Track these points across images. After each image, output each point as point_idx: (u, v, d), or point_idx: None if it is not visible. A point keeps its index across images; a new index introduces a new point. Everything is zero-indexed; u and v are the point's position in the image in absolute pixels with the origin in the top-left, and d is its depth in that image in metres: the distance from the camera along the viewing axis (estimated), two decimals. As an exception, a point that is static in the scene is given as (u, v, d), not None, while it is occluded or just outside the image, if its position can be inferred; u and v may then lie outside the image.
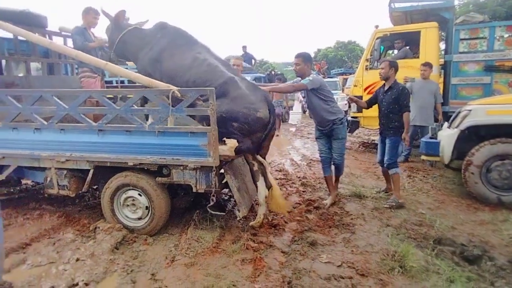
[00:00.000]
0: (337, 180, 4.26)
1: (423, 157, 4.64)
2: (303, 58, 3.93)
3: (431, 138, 4.50)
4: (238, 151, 3.02)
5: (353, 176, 5.29)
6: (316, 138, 4.25)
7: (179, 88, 2.87)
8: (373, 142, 8.29)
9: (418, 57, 6.31)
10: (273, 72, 14.35)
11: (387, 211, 3.83)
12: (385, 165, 4.10)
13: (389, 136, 4.05)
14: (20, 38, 3.99)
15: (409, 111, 3.99)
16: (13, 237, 3.25)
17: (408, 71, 6.12)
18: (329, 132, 4.00)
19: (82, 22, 4.41)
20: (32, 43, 4.04)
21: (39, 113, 3.27)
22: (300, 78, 3.97)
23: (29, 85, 4.16)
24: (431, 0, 6.59)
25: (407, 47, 6.78)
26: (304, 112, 16.15)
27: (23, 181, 4.57)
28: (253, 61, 14.07)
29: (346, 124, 4.22)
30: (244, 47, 13.08)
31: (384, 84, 4.14)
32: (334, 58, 35.45)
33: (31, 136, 3.33)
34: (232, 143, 2.92)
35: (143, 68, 3.49)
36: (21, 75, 4.62)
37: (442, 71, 6.57)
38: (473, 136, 4.10)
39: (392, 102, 3.99)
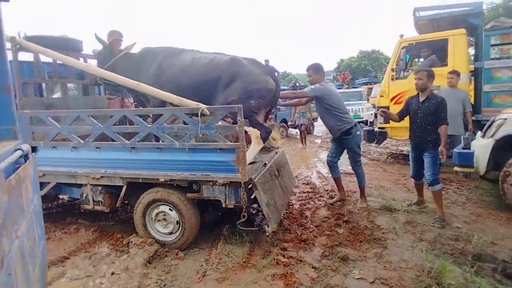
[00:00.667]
0: (361, 191, 4.44)
1: (456, 168, 4.47)
2: (314, 69, 4.30)
3: (463, 148, 4.35)
4: (264, 138, 3.34)
5: (383, 188, 5.17)
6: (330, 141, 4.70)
7: (208, 106, 2.95)
8: (401, 153, 8.09)
9: (446, 65, 6.16)
10: (297, 84, 14.36)
11: (420, 225, 3.71)
12: (427, 181, 3.81)
13: (428, 150, 3.81)
14: (58, 61, 4.25)
15: (447, 124, 3.77)
16: (52, 250, 3.40)
17: (436, 79, 5.96)
18: (339, 140, 4.32)
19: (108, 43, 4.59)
20: (69, 66, 4.30)
21: (76, 132, 3.45)
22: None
23: (66, 106, 4.39)
24: (457, 7, 6.46)
25: (434, 55, 6.64)
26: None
27: (60, 197, 4.79)
28: (275, 73, 14.15)
29: (358, 134, 4.32)
30: (266, 61, 13.20)
31: (418, 95, 3.91)
32: (358, 68, 35.14)
33: (69, 154, 3.50)
34: (254, 134, 3.05)
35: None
36: (58, 95, 4.89)
37: (472, 78, 6.37)
38: (510, 145, 3.94)
39: (430, 114, 3.79)
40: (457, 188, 5.01)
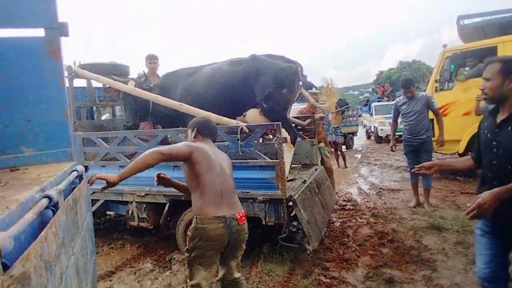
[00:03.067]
0: (427, 194, 4.84)
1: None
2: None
3: None
4: (294, 142, 3.52)
5: (430, 206, 4.89)
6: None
7: (247, 124, 3.01)
8: (449, 167, 7.64)
9: (495, 74, 5.80)
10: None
11: (473, 246, 3.44)
12: None
13: None
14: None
15: None
16: (100, 265, 3.57)
17: (484, 90, 5.65)
18: (418, 146, 4.71)
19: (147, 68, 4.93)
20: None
21: (123, 151, 3.65)
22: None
23: (114, 127, 4.69)
24: (505, 12, 6.12)
25: (482, 64, 6.29)
26: (368, 137, 15.58)
27: (108, 213, 5.04)
28: (313, 88, 14.12)
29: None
30: (304, 77, 13.23)
31: (495, 111, 1.97)
32: (398, 80, 34.08)
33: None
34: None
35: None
36: (106, 117, 5.23)
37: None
38: None
39: None
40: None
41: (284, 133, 3.36)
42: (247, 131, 3.00)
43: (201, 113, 3.39)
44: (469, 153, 6.21)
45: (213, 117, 3.35)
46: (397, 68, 37.09)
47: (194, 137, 2.39)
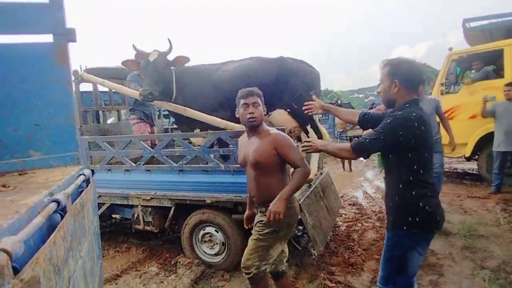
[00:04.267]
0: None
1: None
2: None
3: None
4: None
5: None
6: None
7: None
8: (455, 171, 7.59)
9: (502, 77, 5.77)
10: (339, 101, 14.16)
11: (480, 251, 3.42)
12: None
13: None
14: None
15: None
16: (106, 268, 3.58)
17: (491, 92, 5.61)
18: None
19: None
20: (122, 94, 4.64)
21: (128, 155, 3.67)
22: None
23: (120, 131, 4.72)
24: (511, 15, 6.08)
25: (489, 67, 6.25)
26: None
27: (113, 216, 5.07)
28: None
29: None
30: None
31: None
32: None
33: (122, 177, 3.72)
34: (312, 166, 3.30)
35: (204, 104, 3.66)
36: (112, 121, 5.27)
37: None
38: None
39: None
40: (523, 209, 4.57)
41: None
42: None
43: (205, 118, 3.41)
44: (476, 156, 6.17)
45: (218, 121, 3.36)
46: (402, 71, 36.88)
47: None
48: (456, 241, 3.70)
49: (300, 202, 3.03)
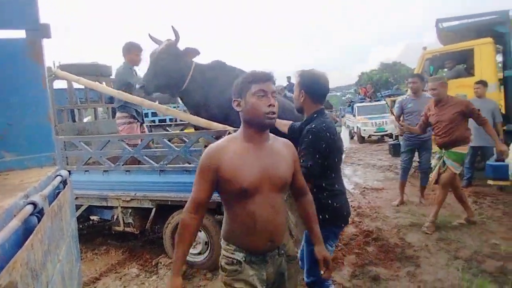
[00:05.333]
0: (423, 191, 5.10)
1: (490, 181, 4.30)
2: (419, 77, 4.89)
3: (497, 160, 4.18)
4: None
5: (411, 204, 5.02)
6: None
7: (234, 129, 2.98)
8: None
9: (473, 75, 6.01)
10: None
11: (454, 242, 3.56)
12: None
13: None
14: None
15: None
16: (85, 271, 3.48)
17: (463, 90, 5.84)
18: (421, 144, 4.88)
19: (124, 61, 4.01)
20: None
21: (107, 156, 3.58)
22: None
23: (97, 130, 4.59)
24: (481, 16, 6.33)
25: (461, 66, 6.50)
26: (352, 138, 15.80)
27: (91, 218, 4.94)
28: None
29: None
30: (289, 78, 13.33)
31: None
32: (379, 80, 34.74)
33: (100, 178, 3.63)
34: None
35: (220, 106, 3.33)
36: (88, 119, 5.13)
37: (502, 87, 6.16)
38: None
39: None
40: (492, 202, 4.79)
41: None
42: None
43: (189, 118, 3.36)
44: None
45: (201, 122, 3.31)
46: (378, 70, 37.79)
47: None
48: (431, 233, 3.83)
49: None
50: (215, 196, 3.05)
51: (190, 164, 3.23)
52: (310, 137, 1.94)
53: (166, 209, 3.45)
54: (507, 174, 3.94)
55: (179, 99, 4.22)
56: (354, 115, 14.80)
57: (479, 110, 3.82)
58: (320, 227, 1.80)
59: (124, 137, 3.73)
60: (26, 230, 1.01)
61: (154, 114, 6.52)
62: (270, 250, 1.57)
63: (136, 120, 4.09)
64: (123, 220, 3.61)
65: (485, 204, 4.72)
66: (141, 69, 4.10)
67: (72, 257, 1.81)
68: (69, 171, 3.60)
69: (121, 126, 4.04)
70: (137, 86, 3.19)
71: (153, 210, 3.43)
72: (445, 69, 7.08)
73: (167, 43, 3.30)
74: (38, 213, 1.11)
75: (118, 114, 4.09)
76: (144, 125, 4.44)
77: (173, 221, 3.36)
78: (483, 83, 5.38)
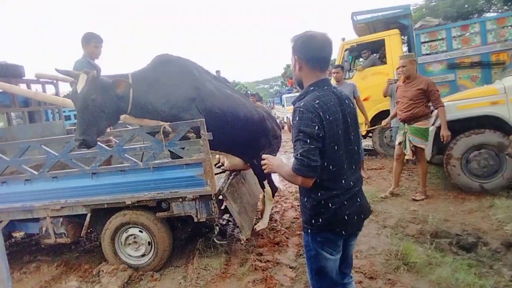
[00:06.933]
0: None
1: (407, 156, 4.84)
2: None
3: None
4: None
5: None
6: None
7: (170, 124, 2.93)
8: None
9: (386, 63, 6.67)
10: (248, 92, 14.59)
11: (382, 213, 3.97)
12: None
13: None
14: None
15: None
16: (13, 294, 3.15)
17: (378, 77, 6.47)
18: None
19: (83, 53, 3.71)
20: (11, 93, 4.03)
21: (28, 163, 3.24)
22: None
23: (12, 136, 4.11)
24: (390, 10, 7.04)
25: (375, 55, 7.14)
26: (282, 127, 16.39)
27: (14, 235, 4.44)
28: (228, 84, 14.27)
29: None
30: (218, 72, 13.28)
31: None
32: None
33: (22, 188, 3.28)
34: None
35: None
36: (1, 126, 4.53)
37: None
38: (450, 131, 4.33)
39: None
40: (409, 175, 5.42)
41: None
42: (170, 130, 2.92)
43: (144, 123, 3.18)
44: (370, 134, 7.05)
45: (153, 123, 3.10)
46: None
47: None
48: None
49: (224, 191, 3.10)
50: (155, 193, 3.02)
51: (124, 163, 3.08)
52: (297, 118, 1.53)
53: (102, 213, 3.26)
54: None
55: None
56: (283, 106, 15.38)
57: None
58: (314, 231, 1.65)
59: (45, 141, 3.40)
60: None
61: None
62: None
63: None
64: (53, 231, 3.31)
65: (403, 177, 5.32)
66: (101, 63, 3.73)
67: (3, 277, 1.65)
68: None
69: None
70: (76, 143, 2.66)
71: (88, 215, 3.21)
72: (361, 59, 7.73)
73: (88, 79, 2.59)
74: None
75: None
76: None
77: (111, 225, 3.19)
78: (341, 68, 5.66)
